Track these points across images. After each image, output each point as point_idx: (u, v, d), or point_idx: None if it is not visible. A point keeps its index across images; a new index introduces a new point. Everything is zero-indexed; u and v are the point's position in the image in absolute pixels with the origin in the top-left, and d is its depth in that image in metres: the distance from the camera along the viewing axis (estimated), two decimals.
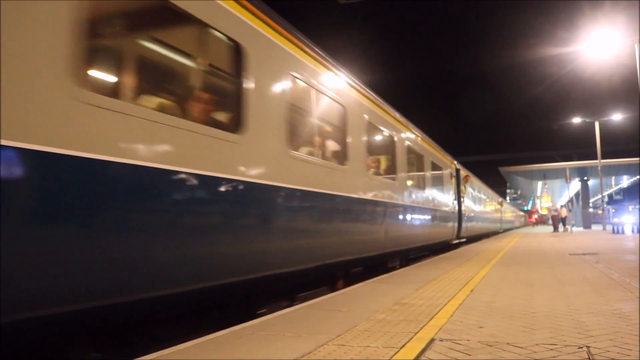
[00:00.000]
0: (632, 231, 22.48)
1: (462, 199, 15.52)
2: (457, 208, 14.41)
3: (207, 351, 2.67)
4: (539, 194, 56.41)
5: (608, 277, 5.46)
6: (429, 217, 10.62)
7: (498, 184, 53.67)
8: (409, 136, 9.32)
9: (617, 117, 30.08)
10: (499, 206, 32.55)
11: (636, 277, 5.31)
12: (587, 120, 30.21)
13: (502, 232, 32.69)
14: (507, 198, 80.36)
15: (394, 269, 8.11)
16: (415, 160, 10.11)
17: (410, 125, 9.65)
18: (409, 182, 9.30)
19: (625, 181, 45.54)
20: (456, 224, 14.12)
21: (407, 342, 2.76)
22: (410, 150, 9.24)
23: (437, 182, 12.08)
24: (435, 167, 11.76)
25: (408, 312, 3.66)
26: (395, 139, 8.34)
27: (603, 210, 32.45)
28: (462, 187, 15.76)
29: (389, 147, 8.30)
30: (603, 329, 2.96)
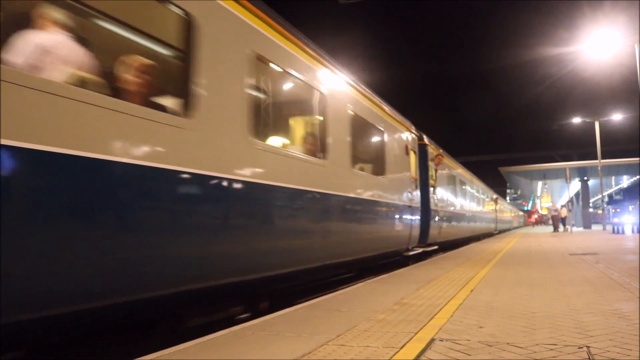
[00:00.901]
0: (632, 231, 22.47)
1: (432, 188, 11.07)
2: (418, 200, 9.86)
3: (207, 351, 2.67)
4: (539, 194, 56.39)
5: (608, 277, 5.46)
6: (346, 213, 6.05)
7: (498, 184, 53.79)
8: (281, 51, 4.73)
9: (617, 117, 30.12)
10: (492, 203, 28.62)
11: (636, 277, 5.30)
12: (587, 120, 30.23)
13: (497, 233, 29.18)
14: (507, 198, 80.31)
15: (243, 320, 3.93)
16: (312, 107, 5.76)
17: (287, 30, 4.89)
18: (293, 146, 5.76)
19: (625, 181, 45.56)
20: (418, 224, 9.62)
21: (407, 342, 2.76)
22: (282, 80, 5.64)
23: (375, 155, 7.64)
24: (369, 129, 7.38)
25: (408, 312, 3.66)
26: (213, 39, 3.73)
27: (603, 210, 32.44)
28: (431, 172, 11.11)
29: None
30: (603, 329, 2.96)
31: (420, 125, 11.23)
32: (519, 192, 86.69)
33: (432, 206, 10.98)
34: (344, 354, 2.53)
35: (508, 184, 59.82)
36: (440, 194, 12.21)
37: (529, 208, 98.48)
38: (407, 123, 9.71)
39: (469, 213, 18.24)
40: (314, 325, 3.26)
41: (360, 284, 5.59)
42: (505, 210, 41.81)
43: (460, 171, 17.09)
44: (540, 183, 42.45)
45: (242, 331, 3.14)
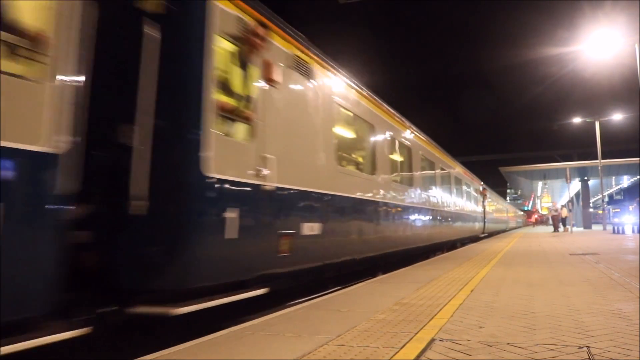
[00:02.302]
0: (633, 231, 22.46)
1: (248, 123, 3.92)
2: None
3: (207, 351, 2.67)
4: (539, 193, 56.33)
5: (608, 277, 5.46)
6: None
7: (498, 184, 53.85)
8: None
9: (617, 117, 30.09)
10: (477, 194, 20.88)
11: (636, 277, 5.30)
12: (587, 120, 30.22)
13: (486, 236, 22.53)
14: (508, 198, 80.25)
15: None
16: None
17: None
18: None
19: (626, 181, 45.58)
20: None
21: (407, 342, 2.75)
22: None
23: None
24: None
25: (408, 312, 3.66)
26: None
27: (603, 210, 32.41)
28: (222, 70, 3.73)
29: None
30: (603, 329, 2.95)
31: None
32: (519, 192, 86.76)
33: (216, 172, 3.49)
34: (344, 354, 2.53)
35: (508, 184, 59.84)
36: (292, 146, 4.68)
37: (529, 208, 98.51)
38: None
39: (419, 204, 9.93)
40: (314, 325, 3.26)
41: (360, 284, 5.59)
42: (500, 208, 34.03)
43: (397, 126, 8.68)
44: (540, 183, 42.42)
45: (241, 331, 3.14)
